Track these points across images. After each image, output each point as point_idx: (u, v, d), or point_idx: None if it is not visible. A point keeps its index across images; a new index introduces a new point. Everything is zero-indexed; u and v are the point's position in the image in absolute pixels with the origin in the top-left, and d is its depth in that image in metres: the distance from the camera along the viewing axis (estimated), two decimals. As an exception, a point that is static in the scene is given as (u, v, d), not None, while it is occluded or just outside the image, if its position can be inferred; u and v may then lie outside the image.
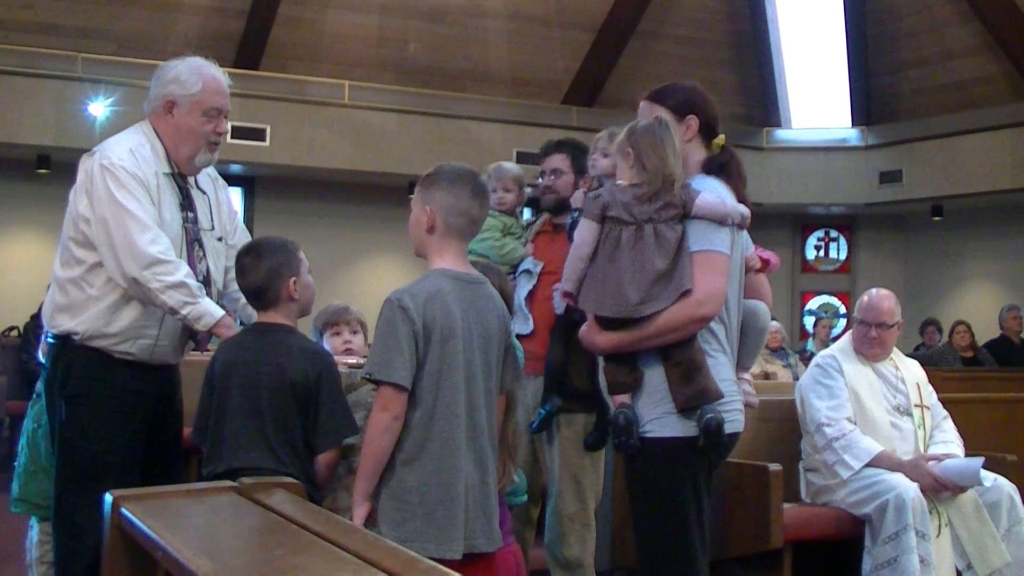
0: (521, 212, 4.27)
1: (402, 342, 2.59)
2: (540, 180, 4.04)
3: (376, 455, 2.62)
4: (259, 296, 2.95)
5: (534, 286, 3.86)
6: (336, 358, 3.47)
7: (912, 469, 4.09)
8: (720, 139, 3.03)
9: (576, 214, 3.68)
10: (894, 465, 4.12)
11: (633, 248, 2.78)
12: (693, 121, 2.97)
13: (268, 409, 2.79)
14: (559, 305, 3.63)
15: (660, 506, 2.83)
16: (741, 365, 3.05)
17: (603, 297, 2.80)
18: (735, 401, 2.89)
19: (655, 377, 2.81)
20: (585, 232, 2.86)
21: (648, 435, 2.80)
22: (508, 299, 3.03)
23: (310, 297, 3.04)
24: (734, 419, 2.87)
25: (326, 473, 2.91)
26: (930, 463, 4.09)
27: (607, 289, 2.79)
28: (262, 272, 2.92)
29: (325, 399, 2.84)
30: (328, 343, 3.59)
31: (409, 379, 2.60)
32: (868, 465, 4.12)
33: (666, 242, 2.77)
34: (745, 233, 3.02)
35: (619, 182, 2.92)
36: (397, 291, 2.66)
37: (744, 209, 2.90)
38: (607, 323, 2.83)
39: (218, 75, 3.25)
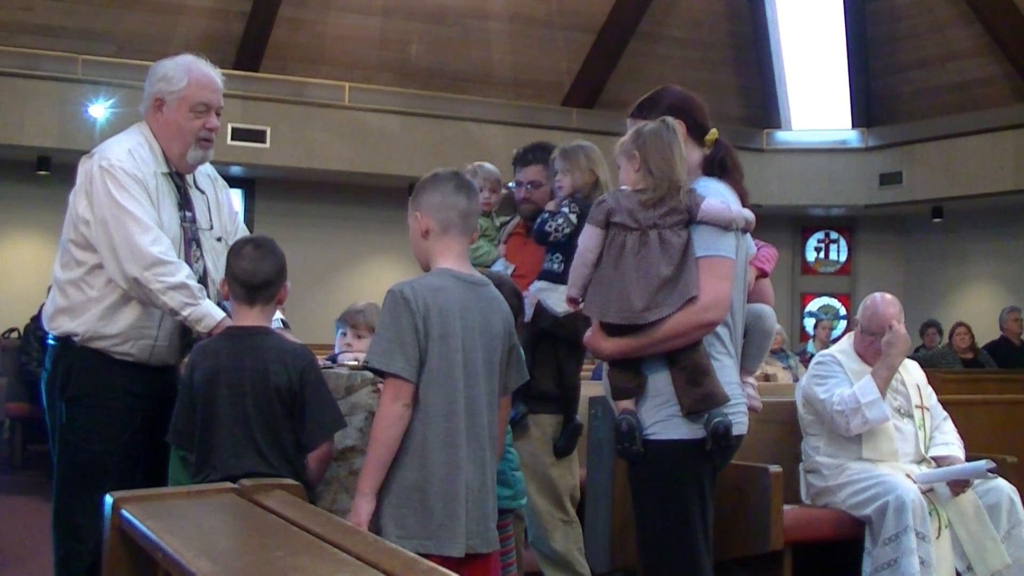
0: (497, 213, 4.29)
1: (404, 333, 2.59)
2: (512, 186, 4.04)
3: (388, 446, 2.60)
4: (260, 290, 2.87)
5: None
6: (337, 357, 3.48)
7: (886, 362, 4.18)
8: (712, 134, 3.01)
9: (546, 214, 3.70)
10: (879, 376, 4.16)
11: (638, 254, 2.76)
12: (680, 127, 2.94)
13: (255, 415, 2.77)
14: (527, 312, 3.65)
15: (664, 508, 2.82)
16: (746, 368, 3.04)
17: (608, 303, 2.79)
18: (740, 404, 2.89)
19: (660, 380, 2.80)
20: (589, 238, 2.85)
21: (652, 437, 2.79)
22: (516, 312, 3.02)
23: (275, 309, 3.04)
24: (739, 421, 2.87)
25: (317, 469, 2.89)
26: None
27: (612, 295, 2.78)
28: (276, 267, 2.89)
29: (310, 397, 2.81)
30: (339, 341, 3.60)
31: (412, 370, 2.59)
32: (871, 419, 4.13)
33: (671, 248, 2.76)
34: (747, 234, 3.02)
35: (623, 187, 2.91)
36: (399, 283, 2.66)
37: (748, 214, 2.89)
38: (612, 329, 2.82)
39: (207, 71, 3.24)
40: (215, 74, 3.25)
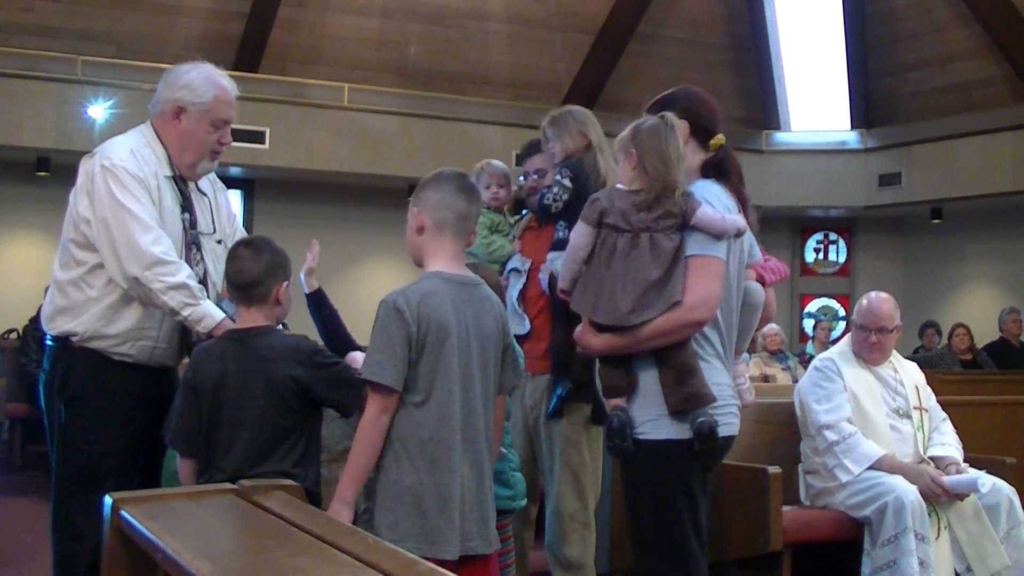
0: (512, 209, 4.27)
1: (396, 345, 2.60)
2: (522, 180, 4.05)
3: (370, 457, 2.63)
4: (248, 290, 2.88)
5: (524, 284, 3.86)
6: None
7: (913, 473, 4.10)
8: (718, 139, 3.01)
9: (544, 191, 3.69)
10: (895, 468, 4.12)
11: (628, 256, 2.78)
12: (684, 127, 2.94)
13: (261, 416, 2.77)
14: (544, 281, 3.62)
15: (654, 508, 2.83)
16: (736, 348, 3.04)
17: (597, 303, 2.81)
18: (729, 404, 2.89)
19: (649, 379, 2.82)
20: (580, 235, 2.87)
21: (642, 437, 2.80)
22: (500, 294, 3.04)
23: (287, 311, 3.02)
24: (728, 422, 2.87)
25: None
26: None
27: (601, 295, 2.80)
28: (262, 265, 2.88)
29: (324, 377, 2.81)
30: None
31: (400, 381, 2.61)
32: (869, 468, 4.12)
33: (662, 251, 2.77)
34: (752, 240, 3.01)
35: (619, 185, 2.91)
36: (392, 293, 2.67)
37: (741, 222, 2.89)
38: (601, 325, 2.84)
39: (228, 85, 3.26)
40: (233, 88, 3.28)
